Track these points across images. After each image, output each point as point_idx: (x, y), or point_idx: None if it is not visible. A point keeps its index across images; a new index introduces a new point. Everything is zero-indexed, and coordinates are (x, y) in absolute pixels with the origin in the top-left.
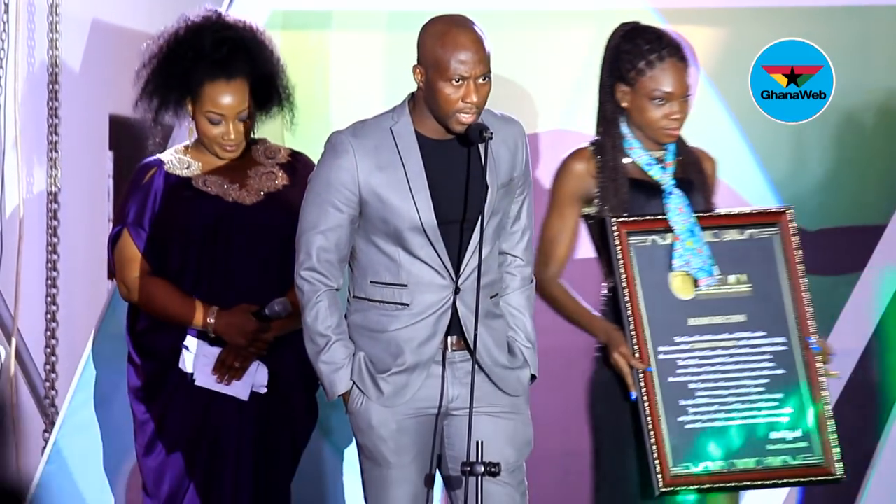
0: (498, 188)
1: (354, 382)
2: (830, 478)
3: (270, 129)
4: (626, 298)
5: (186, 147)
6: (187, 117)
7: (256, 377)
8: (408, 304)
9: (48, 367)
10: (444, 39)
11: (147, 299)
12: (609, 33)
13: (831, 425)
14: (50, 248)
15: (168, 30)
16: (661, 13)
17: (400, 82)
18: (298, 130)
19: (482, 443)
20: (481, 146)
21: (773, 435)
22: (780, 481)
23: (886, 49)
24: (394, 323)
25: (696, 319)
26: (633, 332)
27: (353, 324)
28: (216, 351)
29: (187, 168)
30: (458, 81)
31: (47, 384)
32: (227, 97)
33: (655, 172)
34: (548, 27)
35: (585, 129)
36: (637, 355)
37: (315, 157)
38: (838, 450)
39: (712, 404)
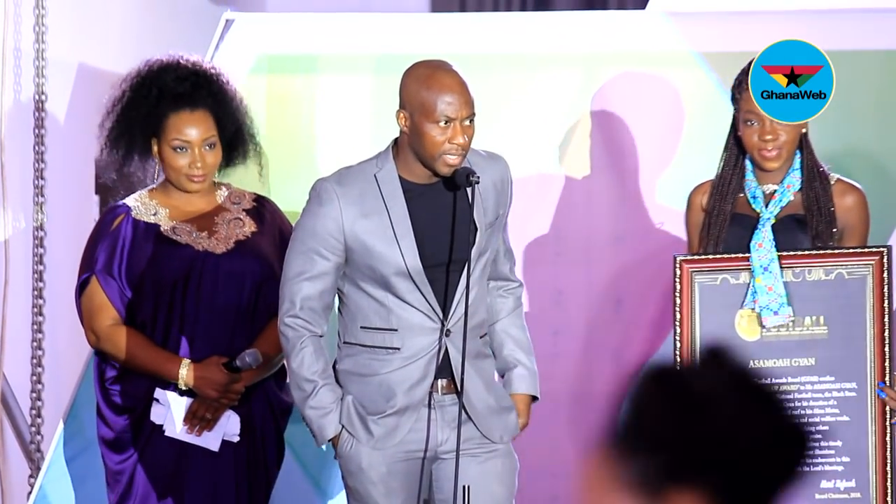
0: (486, 228)
1: (343, 426)
2: None
3: (251, 180)
4: (678, 339)
5: (151, 190)
6: (153, 164)
7: (228, 427)
8: (398, 348)
9: (34, 411)
10: (429, 82)
11: (117, 349)
12: (596, 76)
13: (891, 476)
14: (35, 292)
15: (129, 74)
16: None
17: (387, 126)
18: (284, 175)
19: (468, 487)
20: (468, 189)
21: (824, 484)
22: None
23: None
24: (385, 366)
25: (759, 362)
26: None
27: (342, 370)
28: (187, 402)
29: (154, 214)
30: (444, 123)
31: (33, 429)
32: (192, 125)
33: (757, 206)
34: (535, 70)
35: (573, 172)
36: None
37: (300, 200)
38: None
39: None
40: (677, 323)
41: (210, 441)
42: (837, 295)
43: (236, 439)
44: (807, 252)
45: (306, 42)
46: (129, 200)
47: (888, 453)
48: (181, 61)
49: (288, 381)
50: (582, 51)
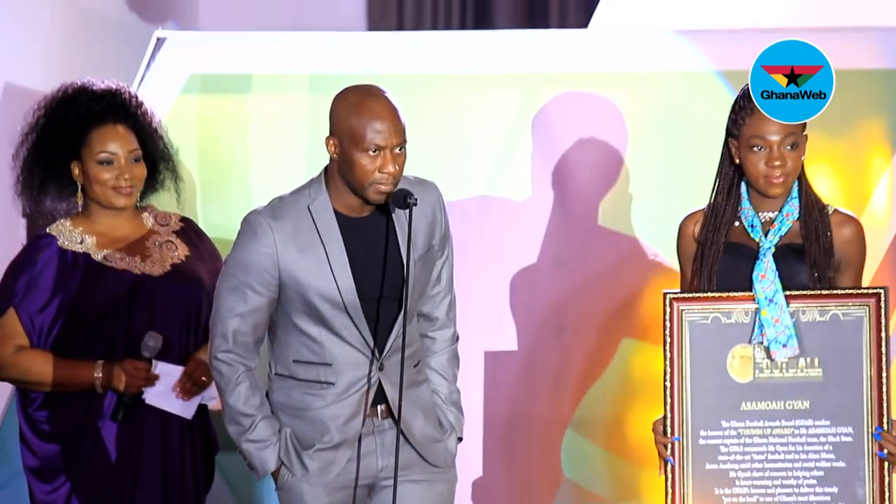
0: (415, 261)
1: (281, 460)
2: None
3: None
4: (667, 378)
5: (74, 218)
6: (69, 200)
7: (205, 392)
8: (332, 383)
9: None
10: (358, 109)
11: (23, 373)
12: (537, 96)
13: None
14: None
15: (42, 102)
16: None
17: (321, 147)
18: (216, 196)
19: None
20: (405, 213)
21: None
22: None
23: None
24: (318, 401)
25: (751, 404)
26: (670, 415)
27: (275, 402)
28: (178, 369)
29: (80, 243)
30: (374, 152)
31: None
32: (116, 138)
33: (756, 235)
34: (475, 90)
35: (512, 194)
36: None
37: (236, 221)
38: None
39: (753, 495)
40: (668, 363)
41: (186, 409)
42: (832, 337)
43: (214, 402)
44: (801, 294)
45: (239, 61)
46: (53, 229)
47: (886, 501)
48: (94, 84)
49: (223, 417)
50: (522, 70)
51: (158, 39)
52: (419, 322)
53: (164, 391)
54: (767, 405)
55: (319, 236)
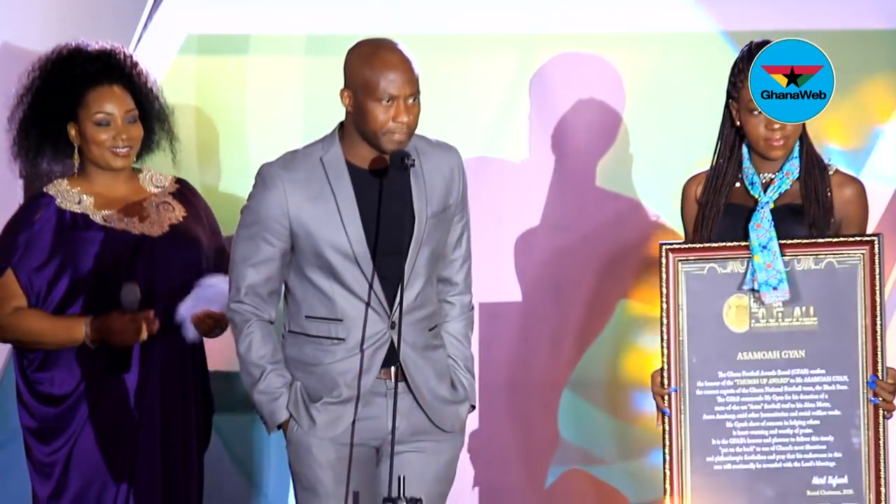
0: (428, 218)
1: (290, 412)
2: None
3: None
4: (664, 330)
5: (71, 178)
6: (66, 161)
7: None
8: (343, 339)
9: None
10: (372, 60)
11: (20, 333)
12: (532, 58)
13: (885, 473)
14: None
15: (36, 63)
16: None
17: (319, 107)
18: (214, 157)
19: (404, 478)
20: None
21: (816, 481)
22: None
23: None
24: (328, 357)
25: (747, 354)
26: (667, 367)
27: (288, 357)
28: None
29: (78, 203)
30: (387, 101)
31: None
32: (113, 99)
33: (755, 192)
34: (471, 52)
35: (510, 155)
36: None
37: (234, 183)
38: (888, 497)
39: (749, 445)
40: (664, 314)
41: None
42: (827, 285)
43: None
44: (796, 241)
45: (237, 22)
46: (51, 189)
47: (881, 449)
48: (89, 45)
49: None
50: (520, 31)
51: (155, 0)
52: (439, 286)
53: (195, 306)
54: (763, 355)
55: (331, 187)
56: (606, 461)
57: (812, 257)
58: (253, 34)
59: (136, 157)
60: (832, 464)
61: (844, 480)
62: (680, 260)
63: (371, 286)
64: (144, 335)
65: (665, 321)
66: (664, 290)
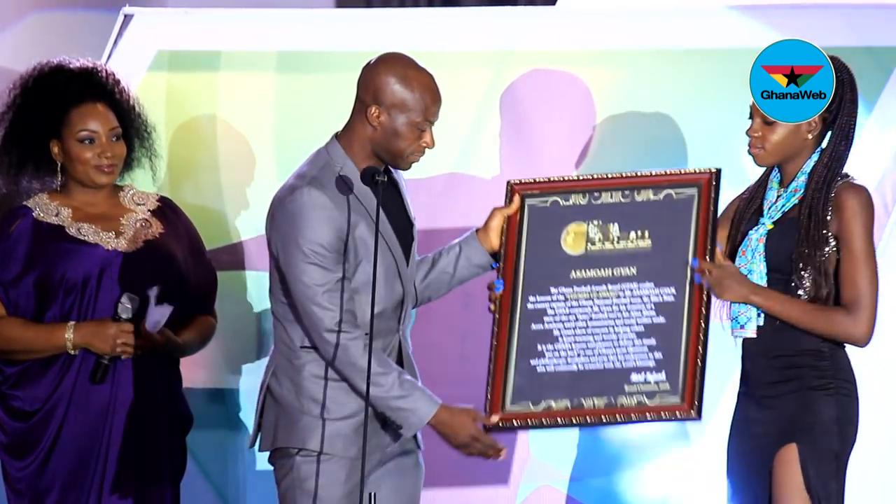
0: (414, 221)
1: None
2: (684, 417)
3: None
4: (503, 252)
5: (51, 193)
6: (46, 180)
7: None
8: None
9: None
10: (413, 84)
11: (1, 341)
12: (505, 73)
13: (701, 370)
14: None
15: (17, 82)
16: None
17: (290, 124)
18: (186, 173)
19: (375, 495)
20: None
21: (634, 377)
22: (630, 420)
23: None
24: None
25: (580, 272)
26: (503, 287)
27: (310, 373)
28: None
29: (56, 215)
30: (423, 127)
31: None
32: (96, 116)
33: (764, 208)
34: (441, 69)
35: (481, 171)
36: (500, 306)
37: (202, 198)
38: (701, 392)
39: (573, 349)
40: (505, 239)
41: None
42: (664, 213)
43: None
44: (637, 175)
45: (207, 38)
46: (30, 202)
47: (699, 350)
48: (71, 63)
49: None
50: (491, 48)
51: (126, 16)
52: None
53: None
54: (597, 273)
55: (363, 204)
56: (576, 478)
57: (651, 189)
58: (224, 50)
59: (120, 176)
60: (652, 363)
61: (662, 377)
62: (525, 194)
63: (394, 294)
64: (130, 351)
65: (506, 246)
66: (508, 221)
